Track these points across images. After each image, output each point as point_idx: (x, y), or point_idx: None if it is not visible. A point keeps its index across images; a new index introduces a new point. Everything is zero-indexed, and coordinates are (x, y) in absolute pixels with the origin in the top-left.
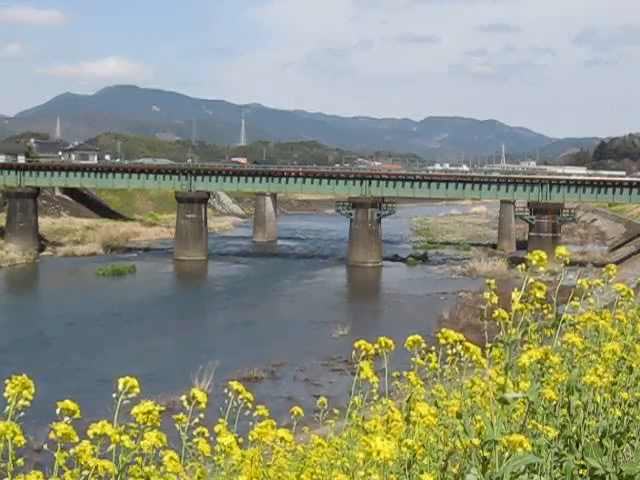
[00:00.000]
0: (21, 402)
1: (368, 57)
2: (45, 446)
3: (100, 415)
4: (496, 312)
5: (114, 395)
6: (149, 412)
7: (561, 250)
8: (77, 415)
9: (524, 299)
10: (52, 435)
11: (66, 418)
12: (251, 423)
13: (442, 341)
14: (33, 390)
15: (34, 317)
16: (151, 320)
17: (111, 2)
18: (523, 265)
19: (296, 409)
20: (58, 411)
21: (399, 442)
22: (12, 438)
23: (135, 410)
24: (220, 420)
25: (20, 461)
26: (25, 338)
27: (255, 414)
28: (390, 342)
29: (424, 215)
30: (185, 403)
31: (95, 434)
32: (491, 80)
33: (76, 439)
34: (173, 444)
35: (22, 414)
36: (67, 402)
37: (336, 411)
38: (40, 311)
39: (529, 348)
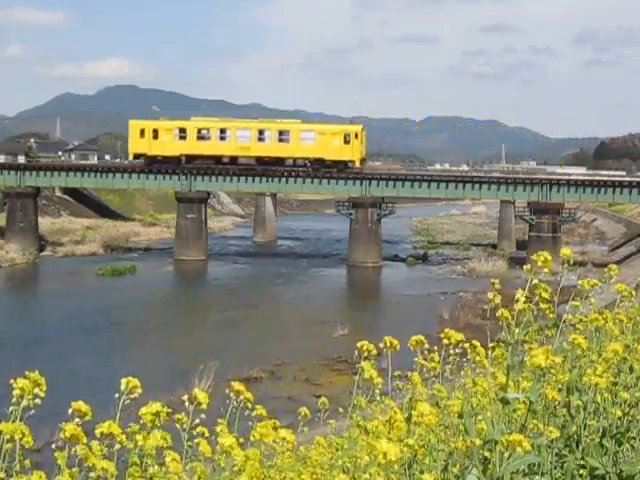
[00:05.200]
0: (31, 400)
1: (369, 57)
2: (54, 445)
3: (101, 415)
4: (499, 312)
5: (116, 395)
6: (157, 413)
7: (566, 251)
8: (89, 417)
9: (527, 299)
10: (62, 435)
11: (76, 419)
12: (251, 423)
13: (445, 341)
14: (45, 387)
15: (34, 317)
16: (151, 320)
17: (113, 3)
18: (528, 266)
19: (304, 410)
20: (70, 411)
21: (400, 442)
22: (20, 439)
23: (143, 410)
24: (220, 420)
25: (27, 462)
26: (25, 338)
27: (256, 413)
28: (395, 342)
29: (424, 215)
30: (187, 403)
31: (102, 433)
32: (491, 80)
33: (84, 440)
34: (174, 444)
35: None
36: (80, 403)
37: (340, 410)
38: (40, 311)
39: (530, 348)
